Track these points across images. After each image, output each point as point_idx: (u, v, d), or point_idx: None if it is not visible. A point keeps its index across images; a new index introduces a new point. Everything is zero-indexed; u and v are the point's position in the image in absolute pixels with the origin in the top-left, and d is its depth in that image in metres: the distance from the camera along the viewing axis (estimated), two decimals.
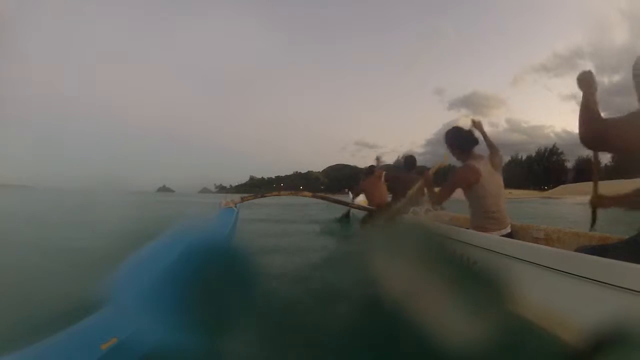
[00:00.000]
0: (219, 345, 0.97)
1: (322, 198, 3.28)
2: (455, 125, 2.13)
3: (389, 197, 4.19)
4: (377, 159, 4.11)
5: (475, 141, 2.01)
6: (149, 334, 0.82)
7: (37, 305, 1.56)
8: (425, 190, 2.24)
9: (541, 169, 78.68)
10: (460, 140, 2.03)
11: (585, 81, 1.23)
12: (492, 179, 1.90)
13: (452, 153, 2.07)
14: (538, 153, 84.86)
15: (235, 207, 2.59)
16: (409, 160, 3.68)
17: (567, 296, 1.08)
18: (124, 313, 0.87)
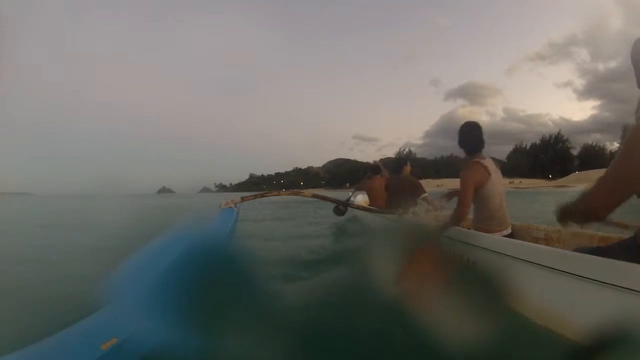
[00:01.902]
0: (219, 345, 0.96)
1: (322, 198, 3.28)
2: (455, 124, 2.12)
3: None
4: (381, 160, 4.05)
5: (482, 145, 1.93)
6: (149, 334, 0.82)
7: (37, 305, 1.56)
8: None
9: (548, 157, 77.99)
10: (470, 140, 1.94)
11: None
12: (498, 178, 1.87)
13: (461, 147, 1.99)
14: (543, 141, 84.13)
15: (235, 207, 2.59)
16: (396, 164, 3.56)
17: (567, 296, 1.08)
18: (124, 313, 0.87)
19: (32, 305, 1.56)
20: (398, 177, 3.39)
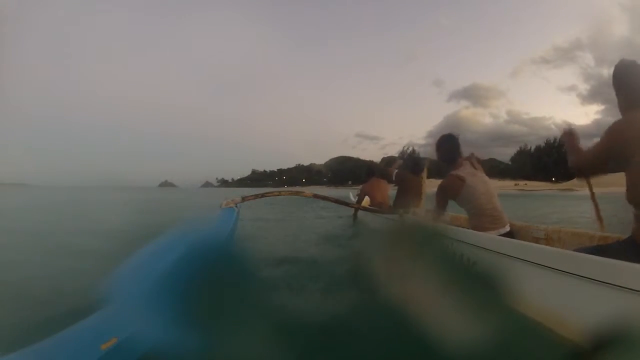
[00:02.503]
0: (219, 345, 0.97)
1: (323, 198, 3.27)
2: (457, 125, 2.22)
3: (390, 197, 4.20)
4: (384, 159, 4.16)
5: (459, 154, 2.12)
6: (149, 334, 0.82)
7: (37, 305, 1.57)
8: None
9: (552, 160, 77.49)
10: (445, 151, 2.15)
11: (568, 136, 1.57)
12: (476, 179, 1.96)
13: (438, 158, 2.21)
14: (547, 143, 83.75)
15: (236, 207, 2.58)
16: (415, 165, 3.67)
17: (567, 296, 1.08)
18: (124, 313, 0.87)
19: (31, 305, 1.57)
20: (414, 177, 3.47)
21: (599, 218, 1.79)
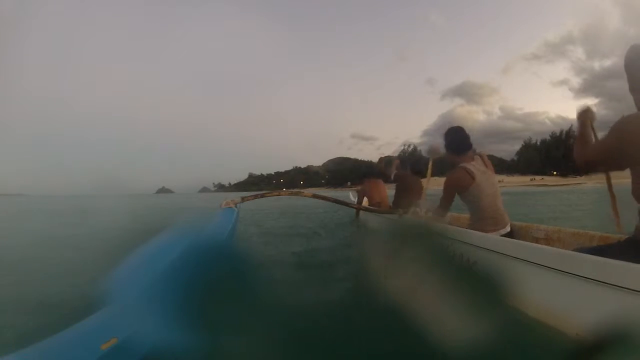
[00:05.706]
0: (219, 345, 0.97)
1: (322, 199, 3.27)
2: (453, 123, 2.13)
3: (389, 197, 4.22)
4: (381, 159, 4.21)
5: (469, 146, 2.00)
6: (149, 334, 0.82)
7: (38, 305, 1.56)
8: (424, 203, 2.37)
9: (560, 153, 76.46)
10: (455, 142, 2.01)
11: (585, 114, 1.41)
12: (486, 178, 1.89)
13: (446, 151, 2.06)
14: (553, 137, 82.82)
15: (236, 207, 2.58)
16: (415, 167, 3.74)
17: (567, 296, 1.08)
18: (124, 313, 0.87)
19: (32, 306, 1.56)
20: (413, 176, 3.59)
21: (616, 215, 1.59)
